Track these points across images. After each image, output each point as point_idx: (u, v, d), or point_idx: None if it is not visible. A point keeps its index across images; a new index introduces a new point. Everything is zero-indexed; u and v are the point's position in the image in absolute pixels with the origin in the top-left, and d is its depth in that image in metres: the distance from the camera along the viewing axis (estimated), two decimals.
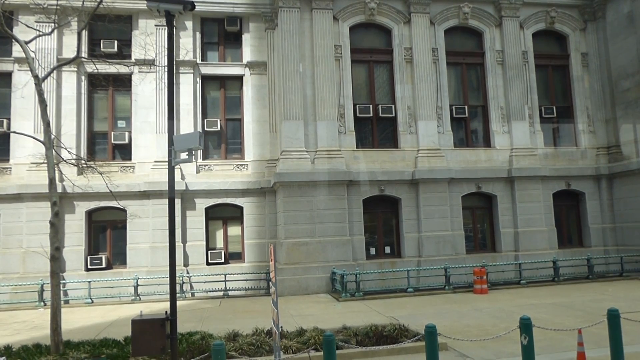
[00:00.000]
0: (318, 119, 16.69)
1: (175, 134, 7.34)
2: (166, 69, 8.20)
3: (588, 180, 18.31)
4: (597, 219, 18.22)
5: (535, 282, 15.65)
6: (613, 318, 7.00)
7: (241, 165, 17.95)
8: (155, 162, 17.08)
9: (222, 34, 18.74)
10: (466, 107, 17.96)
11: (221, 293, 15.65)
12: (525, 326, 6.70)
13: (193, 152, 6.85)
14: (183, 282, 15.54)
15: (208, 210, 17.60)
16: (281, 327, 9.27)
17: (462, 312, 11.47)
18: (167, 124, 17.17)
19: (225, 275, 15.76)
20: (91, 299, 15.06)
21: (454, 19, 18.22)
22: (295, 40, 16.84)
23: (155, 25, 17.71)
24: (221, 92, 18.54)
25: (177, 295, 15.25)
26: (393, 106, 17.42)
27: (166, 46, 7.99)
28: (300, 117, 16.58)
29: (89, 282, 15.03)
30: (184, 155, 6.91)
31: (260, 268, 16.74)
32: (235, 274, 16.31)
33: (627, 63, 17.77)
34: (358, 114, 17.16)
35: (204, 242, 17.28)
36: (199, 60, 18.16)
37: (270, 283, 12.77)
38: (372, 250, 16.97)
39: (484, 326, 9.85)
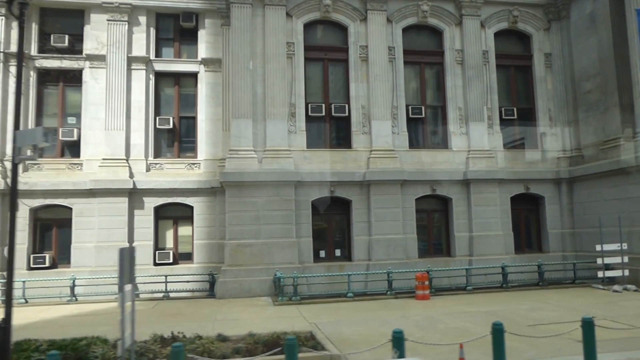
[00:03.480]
0: (267, 118, 16.33)
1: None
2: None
3: (548, 184, 17.86)
4: (557, 224, 17.76)
5: (483, 288, 15.23)
6: (497, 333, 6.61)
7: (193, 164, 17.59)
8: (103, 159, 16.75)
9: (177, 30, 18.38)
10: (423, 107, 17.54)
11: (161, 295, 15.32)
12: (397, 340, 6.33)
13: (38, 149, 6.43)
14: None
15: (158, 209, 17.27)
16: (182, 333, 8.97)
17: (388, 320, 11.07)
18: (116, 121, 17.02)
19: (166, 276, 15.43)
20: (25, 299, 14.77)
21: (413, 17, 17.80)
22: (247, 37, 16.49)
23: (107, 20, 17.35)
24: (175, 89, 18.19)
25: (114, 297, 15.00)
26: (347, 105, 17.03)
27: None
28: (249, 116, 16.23)
29: (24, 281, 14.72)
30: (29, 152, 6.52)
31: (210, 269, 16.40)
32: (182, 275, 16.00)
33: (589, 64, 17.29)
34: (310, 113, 16.79)
35: (152, 242, 16.93)
36: (152, 57, 17.81)
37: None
38: (322, 253, 16.59)
39: (384, 335, 9.44)
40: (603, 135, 16.59)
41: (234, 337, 9.17)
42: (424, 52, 18.03)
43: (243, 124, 16.14)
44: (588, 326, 6.70)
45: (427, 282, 13.94)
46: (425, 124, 17.73)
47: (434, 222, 17.49)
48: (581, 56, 17.70)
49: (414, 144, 17.44)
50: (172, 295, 15.45)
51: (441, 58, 18.01)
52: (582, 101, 17.68)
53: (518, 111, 18.29)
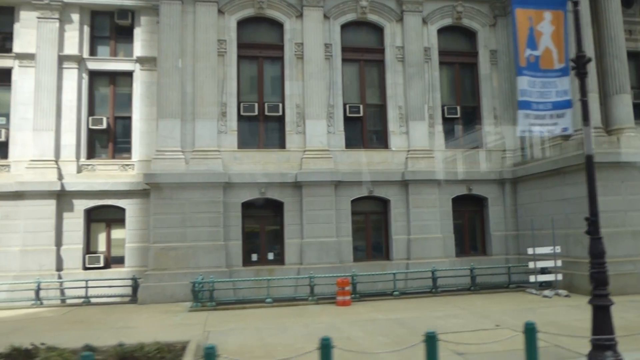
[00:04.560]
0: (197, 118, 15.88)
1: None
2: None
3: (492, 185, 17.31)
4: (501, 226, 17.21)
5: (412, 293, 14.70)
6: (324, 348, 6.11)
7: (127, 165, 17.14)
8: (31, 161, 16.32)
9: (113, 27, 17.91)
10: (362, 106, 17.04)
11: (81, 300, 14.87)
12: (207, 356, 5.85)
13: None
14: (39, 289, 14.74)
15: (90, 212, 16.82)
16: (45, 343, 8.52)
17: (287, 328, 10.59)
18: (45, 122, 16.59)
19: (87, 281, 14.99)
20: None
21: (352, 14, 17.29)
22: (176, 35, 16.04)
23: (38, 18, 16.92)
24: (111, 88, 17.74)
25: (31, 302, 14.61)
26: (281, 104, 16.55)
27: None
28: (177, 116, 15.78)
29: None
30: None
31: (141, 273, 15.94)
32: (110, 279, 15.56)
33: None
34: (242, 113, 16.31)
35: (82, 246, 16.47)
36: (86, 55, 17.36)
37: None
38: (254, 257, 16.12)
39: (278, 346, 8.98)
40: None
41: (104, 347, 8.74)
42: (363, 50, 17.52)
43: (171, 124, 15.69)
44: (430, 341, 6.19)
45: (347, 288, 13.42)
46: (364, 123, 17.22)
47: (372, 224, 16.97)
48: None
49: (351, 143, 16.91)
50: (94, 300, 15.00)
51: (382, 55, 17.49)
52: None
53: (462, 110, 17.75)
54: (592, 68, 14.41)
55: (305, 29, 16.73)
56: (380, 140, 17.28)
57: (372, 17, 17.40)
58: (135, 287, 15.18)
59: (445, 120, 17.48)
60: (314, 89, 16.50)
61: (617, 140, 14.11)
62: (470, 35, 18.24)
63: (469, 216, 17.56)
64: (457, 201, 17.12)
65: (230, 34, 16.51)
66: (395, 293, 14.36)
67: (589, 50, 14.39)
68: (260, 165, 16.06)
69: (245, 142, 16.47)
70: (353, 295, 13.93)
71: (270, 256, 16.22)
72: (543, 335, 8.98)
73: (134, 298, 15.06)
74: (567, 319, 10.54)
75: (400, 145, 16.94)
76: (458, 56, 18.09)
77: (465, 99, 18.04)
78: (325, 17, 17.00)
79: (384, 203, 16.87)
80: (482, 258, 16.89)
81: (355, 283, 14.11)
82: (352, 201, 16.46)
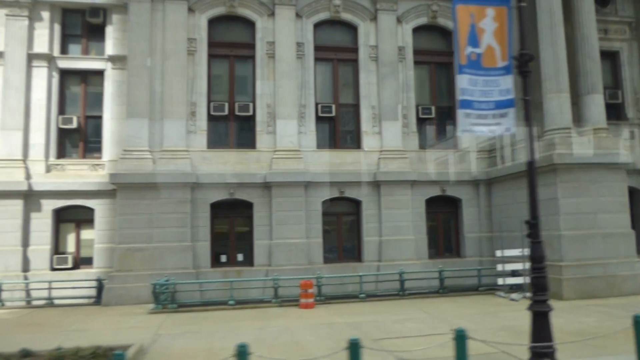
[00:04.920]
0: (165, 117, 15.67)
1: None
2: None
3: (466, 186, 17.08)
4: (475, 228, 16.98)
5: (381, 296, 14.47)
6: (240, 355, 5.90)
7: (97, 165, 16.91)
8: None
9: (85, 26, 17.69)
10: (334, 105, 16.81)
11: (44, 302, 14.66)
12: None
13: None
14: (2, 290, 14.51)
15: (59, 212, 16.60)
16: None
17: (241, 332, 10.36)
18: (13, 121, 16.39)
19: (49, 282, 14.78)
20: None
21: (325, 12, 17.08)
22: (145, 33, 15.84)
23: (6, 16, 16.70)
24: (82, 87, 17.50)
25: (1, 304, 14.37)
26: (252, 104, 16.34)
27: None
28: (145, 115, 15.57)
29: None
30: None
31: (107, 275, 15.71)
32: (76, 280, 15.31)
33: None
34: (212, 112, 16.10)
35: (50, 246, 16.22)
36: (56, 54, 17.12)
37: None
38: (224, 258, 15.91)
39: (221, 350, 8.75)
40: (517, 134, 15.80)
41: (42, 352, 8.54)
42: (337, 49, 17.30)
43: (138, 124, 15.48)
44: (353, 348, 5.97)
45: (311, 290, 13.19)
46: (337, 123, 17.00)
47: (344, 225, 16.75)
48: None
49: (323, 144, 16.69)
50: (58, 302, 14.78)
51: (355, 55, 17.27)
52: None
53: (437, 110, 17.52)
54: (564, 67, 14.23)
55: (277, 27, 16.52)
56: (353, 140, 17.06)
57: (346, 16, 17.19)
58: (99, 288, 14.96)
59: (419, 120, 17.26)
60: (285, 88, 16.28)
61: (587, 141, 13.88)
62: (446, 34, 18.01)
63: (443, 217, 17.33)
64: (431, 202, 16.90)
65: (200, 33, 16.29)
66: (361, 296, 14.13)
67: (561, 50, 14.20)
68: (229, 166, 15.85)
69: (216, 142, 16.26)
70: (318, 298, 13.72)
71: (240, 257, 16.00)
72: (496, 339, 8.80)
73: (98, 300, 14.84)
74: (525, 324, 10.21)
75: (373, 145, 16.72)
76: (433, 55, 17.86)
77: (440, 98, 17.81)
78: (298, 15, 16.79)
79: (356, 204, 16.65)
80: (455, 260, 16.68)
81: (320, 285, 13.88)
82: (324, 202, 16.24)
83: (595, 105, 14.22)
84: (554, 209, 13.65)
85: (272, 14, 16.66)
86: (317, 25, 17.15)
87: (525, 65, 7.31)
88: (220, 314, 12.73)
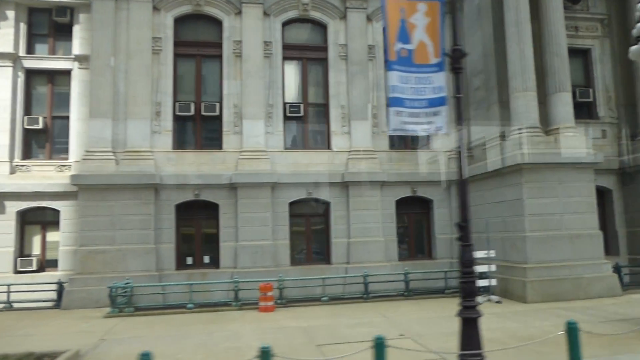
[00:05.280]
0: (129, 117, 15.42)
1: None
2: None
3: (437, 187, 16.82)
4: (446, 229, 16.70)
5: (345, 298, 14.20)
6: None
7: (64, 166, 16.66)
8: None
9: (52, 25, 17.45)
10: (303, 105, 16.55)
11: (2, 306, 14.40)
12: None
13: None
14: None
15: (24, 214, 16.36)
16: None
17: (191, 336, 10.12)
18: None
19: (8, 285, 14.52)
20: None
21: (293, 11, 16.82)
22: (109, 32, 15.60)
23: None
24: (49, 87, 17.26)
25: None
26: (218, 104, 16.08)
27: None
28: (109, 115, 15.32)
29: None
30: None
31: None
32: (40, 283, 15.04)
33: (477, 59, 16.25)
34: (178, 112, 15.85)
35: (14, 249, 15.98)
36: (22, 53, 16.87)
37: None
38: (190, 260, 15.65)
39: (158, 356, 8.50)
40: (487, 134, 15.56)
41: None
42: (306, 47, 17.05)
43: (101, 124, 15.24)
44: (264, 356, 5.72)
45: (270, 293, 12.93)
46: (306, 123, 16.74)
47: (313, 227, 16.48)
48: (472, 51, 16.61)
49: (291, 144, 16.47)
50: (17, 306, 14.51)
51: (325, 53, 17.02)
52: (473, 98, 16.63)
53: None
54: (531, 65, 13.98)
55: (245, 26, 16.28)
56: (322, 140, 16.81)
57: (315, 15, 16.94)
58: (60, 292, 14.70)
59: None
60: (252, 88, 16.03)
61: (554, 140, 13.61)
62: None
63: (415, 219, 17.07)
64: (402, 203, 16.64)
65: (166, 32, 16.05)
66: (324, 299, 13.87)
67: (527, 48, 13.94)
68: (194, 167, 15.60)
69: (181, 142, 16.02)
70: (279, 301, 13.48)
71: (207, 260, 15.75)
72: (442, 344, 8.54)
73: (59, 303, 14.58)
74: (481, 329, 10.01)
75: (342, 145, 16.47)
76: None
77: None
78: (266, 14, 16.54)
79: (325, 205, 16.39)
80: (427, 262, 16.42)
81: (282, 288, 13.63)
82: (291, 203, 15.99)
83: (563, 103, 13.94)
84: (519, 209, 13.39)
85: (239, 13, 16.42)
86: (286, 24, 16.91)
87: (457, 61, 7.06)
88: (176, 317, 12.49)
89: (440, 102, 7.14)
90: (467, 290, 6.63)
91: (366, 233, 15.95)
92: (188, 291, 13.99)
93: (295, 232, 16.15)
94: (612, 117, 16.29)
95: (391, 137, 16.89)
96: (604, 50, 16.24)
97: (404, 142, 17.16)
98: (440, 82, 7.17)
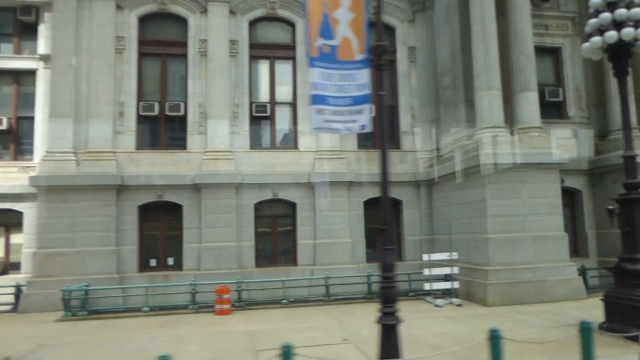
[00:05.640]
0: (91, 118, 15.19)
1: None
2: None
3: (407, 187, 16.56)
4: (416, 230, 16.46)
5: (306, 301, 13.94)
6: None
7: (28, 167, 16.41)
8: None
9: (17, 24, 17.23)
10: (269, 105, 16.31)
11: None
12: None
13: None
14: None
15: None
16: None
17: (134, 341, 9.87)
18: None
19: None
20: None
21: (261, 9, 16.58)
22: (71, 31, 15.37)
23: None
24: (14, 87, 17.03)
25: None
26: (183, 104, 15.85)
27: None
28: (70, 115, 15.10)
29: None
30: None
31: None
32: (2, 287, 14.83)
33: (446, 58, 16.00)
34: (142, 112, 15.61)
35: None
36: None
37: None
38: (154, 262, 15.42)
39: None
40: (454, 134, 15.30)
41: None
42: (274, 46, 16.79)
43: (62, 124, 15.01)
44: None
45: (226, 296, 12.67)
46: (273, 123, 16.49)
47: (280, 228, 16.22)
48: (441, 49, 16.41)
49: (257, 144, 16.22)
50: None
51: (293, 52, 16.77)
52: (442, 97, 16.37)
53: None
54: (495, 64, 13.72)
55: (210, 25, 16.04)
56: (290, 140, 16.56)
57: (283, 13, 16.70)
58: (18, 295, 14.46)
59: None
60: (217, 87, 15.79)
61: (519, 141, 13.34)
62: (390, 31, 17.49)
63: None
64: (371, 204, 16.38)
65: (130, 31, 15.82)
66: (284, 302, 13.61)
67: (492, 46, 13.68)
68: (158, 167, 15.37)
69: (145, 143, 15.79)
70: (238, 304, 13.23)
71: (170, 261, 15.51)
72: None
73: (16, 307, 14.35)
74: (428, 333, 9.77)
75: (309, 146, 16.22)
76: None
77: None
78: (232, 12, 16.30)
79: (292, 206, 16.14)
80: (398, 264, 16.09)
81: (240, 291, 13.38)
82: (257, 204, 15.75)
83: (529, 103, 13.66)
84: (482, 211, 13.12)
85: (205, 11, 16.18)
86: (253, 23, 16.67)
87: (380, 58, 6.81)
88: (129, 321, 12.24)
89: (364, 99, 6.89)
90: (386, 296, 6.38)
91: (333, 234, 15.69)
92: (150, 294, 13.78)
93: (261, 233, 15.91)
94: (583, 117, 16.00)
95: (360, 137, 16.65)
96: (574, 49, 15.93)
97: (373, 142, 16.88)
98: (364, 79, 6.91)
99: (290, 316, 12.18)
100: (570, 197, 15.08)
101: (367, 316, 11.86)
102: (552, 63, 16.15)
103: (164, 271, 15.23)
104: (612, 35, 8.87)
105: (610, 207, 9.57)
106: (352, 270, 15.30)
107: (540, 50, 14.81)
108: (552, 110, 15.90)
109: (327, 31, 6.85)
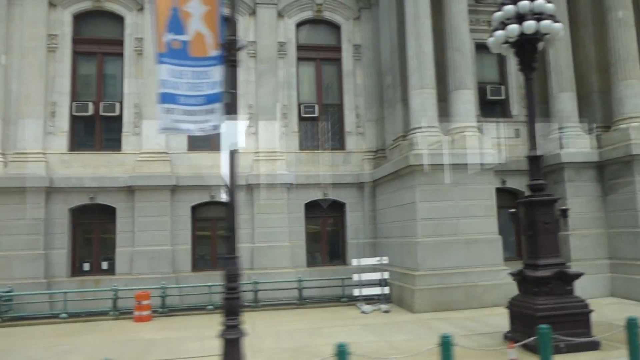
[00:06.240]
0: (21, 118, 14.79)
1: None
2: None
3: (351, 189, 16.11)
4: (359, 233, 16.00)
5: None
6: None
7: None
8: None
9: None
10: None
11: None
12: None
13: None
14: None
15: None
16: None
17: (27, 349, 9.48)
18: None
19: None
20: None
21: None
22: (1, 28, 14.94)
23: None
24: None
25: None
26: (119, 104, 15.44)
27: None
28: None
29: None
30: None
31: None
32: None
33: (388, 56, 15.57)
34: (75, 113, 15.21)
35: None
36: None
37: None
38: (87, 266, 15.02)
39: None
40: (393, 134, 14.89)
41: None
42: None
43: None
44: None
45: (146, 302, 12.27)
46: None
47: (218, 231, 15.78)
48: (384, 47, 15.98)
49: (195, 146, 15.78)
50: None
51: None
52: (386, 96, 15.94)
53: (322, 108, 16.58)
54: (429, 62, 13.30)
55: (146, 22, 15.60)
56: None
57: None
58: None
59: (302, 119, 16.32)
60: (152, 86, 15.29)
61: (452, 141, 12.90)
62: (334, 28, 17.06)
63: (328, 223, 16.37)
64: (313, 207, 15.95)
65: (63, 29, 15.42)
66: (209, 307, 13.20)
67: (425, 43, 13.25)
68: (91, 169, 14.97)
69: (79, 144, 15.39)
70: (161, 310, 12.83)
71: (104, 266, 15.10)
72: None
73: None
74: (322, 343, 9.29)
75: (248, 146, 15.77)
76: (319, 51, 16.92)
77: (326, 97, 16.85)
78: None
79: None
80: (339, 268, 15.67)
81: (165, 296, 12.97)
82: (195, 207, 15.34)
83: (463, 101, 13.22)
84: (412, 214, 12.69)
85: (141, 9, 15.77)
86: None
87: (233, 54, 6.40)
88: (43, 328, 11.85)
89: (216, 98, 6.47)
90: (229, 308, 5.98)
91: (271, 238, 15.27)
92: (79, 299, 13.44)
93: (199, 236, 15.50)
94: (526, 115, 15.50)
95: (301, 138, 16.24)
96: None
97: (315, 143, 16.44)
98: (218, 76, 6.49)
99: (207, 324, 11.70)
100: (513, 198, 14.60)
101: (285, 324, 11.55)
102: (496, 61, 15.67)
103: (96, 275, 14.83)
104: (513, 28, 8.45)
105: (512, 210, 9.13)
106: (291, 275, 14.87)
107: (482, 48, 14.31)
108: (495, 109, 15.46)
109: (177, 25, 6.44)
